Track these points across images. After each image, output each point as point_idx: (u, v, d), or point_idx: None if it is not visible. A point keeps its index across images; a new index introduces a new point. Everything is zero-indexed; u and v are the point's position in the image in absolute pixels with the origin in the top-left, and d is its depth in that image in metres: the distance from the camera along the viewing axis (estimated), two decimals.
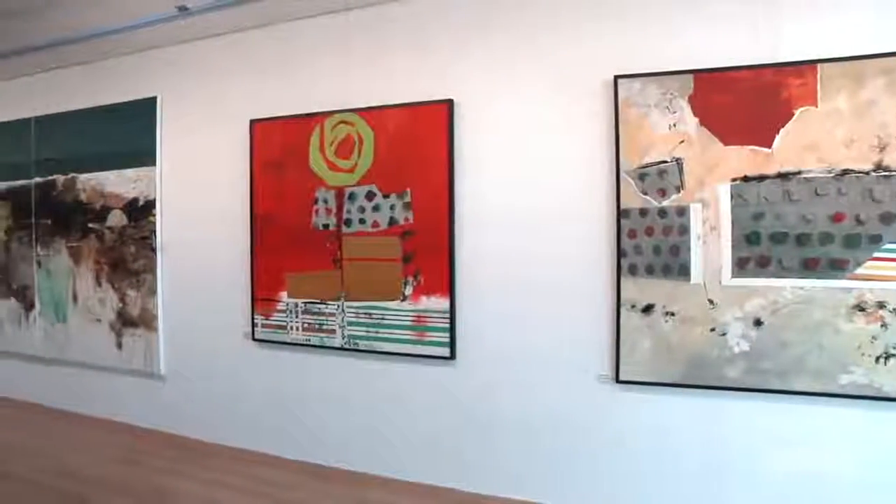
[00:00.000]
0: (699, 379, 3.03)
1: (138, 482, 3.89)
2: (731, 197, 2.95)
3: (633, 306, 3.13)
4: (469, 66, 3.60)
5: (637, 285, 3.12)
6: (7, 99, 5.68)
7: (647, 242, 3.10)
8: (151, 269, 4.74)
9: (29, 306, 5.55)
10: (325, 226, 3.93)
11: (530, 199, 3.42)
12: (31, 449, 4.57)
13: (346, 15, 3.95)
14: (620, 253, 3.15)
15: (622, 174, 3.14)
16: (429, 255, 3.63)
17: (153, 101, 4.73)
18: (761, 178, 2.89)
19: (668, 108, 3.06)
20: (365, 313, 3.84)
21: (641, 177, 3.10)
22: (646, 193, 3.09)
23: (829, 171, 2.78)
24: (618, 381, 3.19)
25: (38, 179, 5.44)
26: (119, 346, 4.96)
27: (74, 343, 5.24)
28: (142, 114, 4.77)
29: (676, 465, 3.14)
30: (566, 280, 3.33)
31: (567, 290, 3.34)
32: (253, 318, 4.25)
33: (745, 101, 2.93)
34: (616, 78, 3.16)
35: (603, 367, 3.26)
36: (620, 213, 3.15)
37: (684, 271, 3.03)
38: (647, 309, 3.10)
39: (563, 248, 3.34)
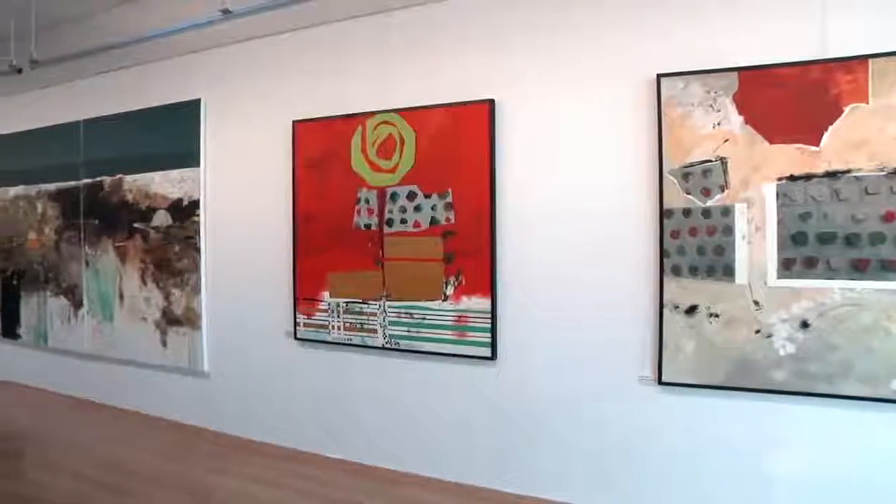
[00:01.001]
0: (744, 381, 3.05)
1: (182, 477, 4.07)
2: (777, 196, 2.96)
3: (676, 307, 3.17)
4: (511, 65, 3.67)
5: (680, 286, 3.15)
6: (57, 103, 5.96)
7: (690, 243, 3.13)
8: (195, 269, 4.91)
9: (77, 304, 5.80)
10: (367, 226, 4.04)
11: (572, 199, 3.48)
12: (79, 443, 4.81)
13: (386, 15, 4.06)
14: (663, 253, 3.19)
15: (665, 174, 3.18)
16: (470, 255, 3.71)
17: (197, 103, 4.91)
18: (808, 177, 2.89)
19: (711, 106, 3.08)
20: (406, 313, 3.94)
21: (685, 176, 3.13)
22: (689, 193, 3.12)
23: (881, 170, 2.77)
24: (660, 382, 3.23)
25: (86, 180, 5.68)
26: (164, 343, 5.15)
27: (121, 341, 5.47)
28: (186, 116, 4.96)
29: (720, 468, 3.16)
30: (608, 280, 3.38)
31: (609, 290, 3.39)
32: (295, 318, 4.38)
33: (791, 98, 2.93)
34: (659, 77, 3.20)
35: (645, 368, 3.30)
36: (663, 213, 3.18)
37: (729, 272, 3.05)
38: (691, 310, 3.13)
39: (604, 248, 3.39)
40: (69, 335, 5.91)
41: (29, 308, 6.28)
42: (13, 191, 6.36)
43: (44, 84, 5.88)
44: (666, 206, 3.17)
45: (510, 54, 3.67)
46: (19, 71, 4.75)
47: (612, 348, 3.39)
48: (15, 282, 6.41)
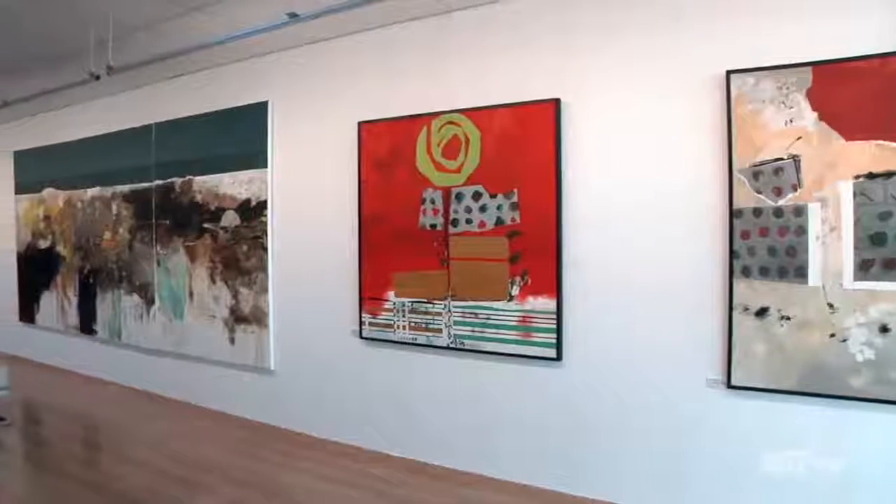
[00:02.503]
0: (818, 387, 3.05)
1: (251, 473, 4.31)
2: (854, 195, 2.96)
3: (745, 309, 3.20)
4: (576, 64, 3.76)
5: (750, 287, 3.19)
6: (131, 107, 6.35)
7: (761, 243, 3.16)
8: (263, 268, 5.16)
9: (149, 302, 6.15)
10: (433, 226, 4.19)
11: (639, 198, 3.55)
12: (151, 436, 5.14)
13: (450, 16, 4.19)
14: (733, 254, 3.23)
15: (735, 173, 3.22)
16: (536, 255, 3.81)
17: (264, 105, 5.17)
18: (889, 174, 2.89)
19: (783, 103, 3.10)
20: (471, 313, 4.07)
21: (755, 175, 3.16)
22: (760, 192, 3.15)
23: None
24: (729, 385, 3.27)
25: (158, 182, 6.02)
26: (232, 341, 5.42)
27: (191, 338, 5.79)
28: (254, 118, 5.22)
29: (792, 474, 3.16)
30: (676, 281, 3.44)
31: (677, 291, 3.44)
32: (360, 317, 4.58)
33: (870, 93, 2.93)
34: (728, 73, 3.23)
35: (714, 370, 3.34)
36: (733, 213, 3.22)
37: (801, 274, 3.07)
38: (761, 312, 3.16)
39: (672, 248, 3.45)
40: (142, 332, 6.28)
41: (104, 305, 6.69)
42: (90, 192, 6.79)
43: (119, 90, 6.28)
44: (735, 205, 3.21)
45: (576, 53, 3.76)
46: (97, 78, 5.09)
47: (679, 350, 3.44)
48: (91, 280, 6.83)
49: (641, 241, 3.53)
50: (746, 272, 3.20)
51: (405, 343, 4.38)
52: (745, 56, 3.21)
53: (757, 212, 3.16)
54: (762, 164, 3.14)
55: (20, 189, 7.90)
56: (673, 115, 3.45)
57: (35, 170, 7.66)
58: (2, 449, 4.98)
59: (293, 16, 4.18)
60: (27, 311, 7.87)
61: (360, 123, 4.53)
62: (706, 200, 3.33)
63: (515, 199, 3.88)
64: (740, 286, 3.21)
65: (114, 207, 6.54)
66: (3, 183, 8.19)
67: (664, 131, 3.47)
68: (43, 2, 4.42)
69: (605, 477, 3.69)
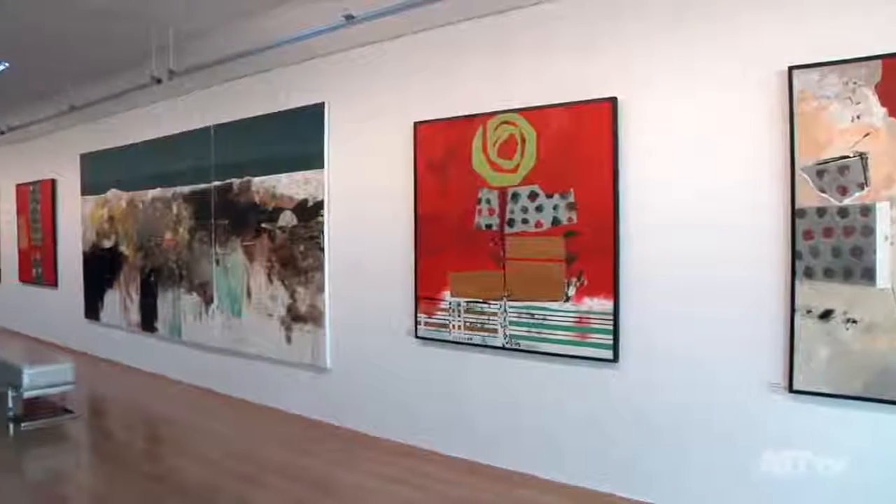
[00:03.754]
0: (886, 393, 3.00)
1: (306, 469, 4.46)
2: None
3: (808, 311, 3.17)
4: (633, 61, 3.78)
5: (814, 289, 3.16)
6: (191, 109, 6.60)
7: (825, 244, 3.13)
8: (319, 268, 5.30)
9: (208, 301, 6.37)
10: (488, 226, 4.25)
11: (698, 198, 3.55)
12: (210, 431, 5.38)
13: (506, 16, 4.26)
14: (795, 255, 3.20)
15: (797, 171, 3.19)
16: (592, 255, 3.85)
17: (321, 106, 5.32)
18: None
19: (850, 98, 3.07)
20: (527, 313, 4.12)
21: (819, 174, 3.13)
22: (824, 191, 3.12)
23: None
24: (791, 390, 3.24)
25: (216, 183, 6.23)
26: (289, 340, 5.59)
27: (248, 336, 5.98)
28: (310, 119, 5.38)
29: (857, 485, 3.11)
30: (735, 282, 3.43)
31: (736, 292, 3.43)
32: (416, 316, 4.67)
33: None
34: (791, 69, 3.21)
35: (775, 374, 3.31)
36: (795, 213, 3.20)
37: (868, 275, 3.03)
38: (825, 315, 3.13)
39: (732, 249, 3.44)
40: (201, 330, 6.51)
41: (165, 303, 6.96)
42: (151, 193, 7.08)
43: (179, 93, 6.52)
44: (798, 205, 3.19)
45: (632, 50, 3.78)
46: (159, 81, 5.31)
47: (739, 353, 3.43)
48: (152, 279, 7.10)
49: (700, 242, 3.53)
50: (809, 273, 3.17)
51: (460, 343, 4.46)
52: (808, 51, 3.17)
53: (821, 211, 3.13)
54: (826, 162, 3.11)
55: (86, 190, 8.27)
56: (732, 113, 3.44)
57: (100, 172, 8.03)
58: (69, 440, 5.25)
59: (350, 17, 4.28)
60: (92, 309, 8.24)
61: (415, 124, 4.63)
62: (767, 200, 3.31)
63: (572, 198, 3.92)
64: (803, 288, 3.18)
65: (174, 208, 6.79)
66: (71, 185, 8.57)
67: (723, 129, 3.47)
68: (108, 12, 4.64)
69: (662, 480, 3.69)
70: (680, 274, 3.60)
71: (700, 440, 3.56)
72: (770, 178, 3.30)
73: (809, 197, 3.15)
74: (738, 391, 3.43)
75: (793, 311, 3.21)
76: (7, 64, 5.98)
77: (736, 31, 3.43)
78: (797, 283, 3.19)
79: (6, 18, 4.87)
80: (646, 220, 3.72)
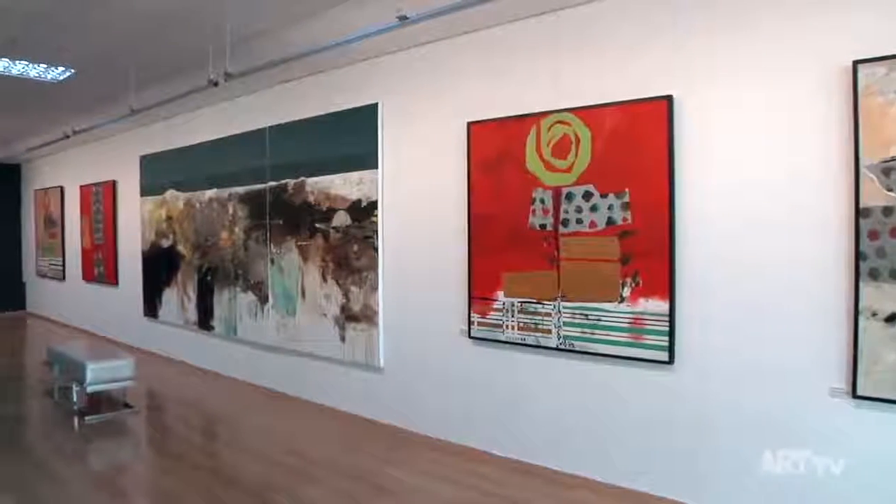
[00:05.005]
0: None
1: (359, 468, 4.55)
2: None
3: (874, 314, 3.11)
4: (689, 59, 3.76)
5: (880, 291, 3.10)
6: (246, 111, 6.77)
7: (892, 244, 3.06)
8: (373, 267, 5.38)
9: (264, 300, 6.51)
10: (542, 226, 4.27)
11: (757, 197, 3.51)
12: (264, 428, 5.52)
13: (559, 14, 4.27)
14: (859, 255, 3.14)
15: (862, 169, 3.13)
16: (648, 256, 3.84)
17: (374, 107, 5.40)
18: None
19: None
20: (581, 314, 4.13)
21: (885, 172, 3.07)
22: (891, 190, 3.06)
23: None
24: (854, 395, 3.18)
25: (271, 183, 6.38)
26: (342, 339, 5.69)
27: (302, 335, 6.11)
28: (364, 119, 5.47)
29: None
30: (796, 284, 3.38)
31: (797, 294, 3.38)
32: (469, 316, 4.71)
33: None
34: (855, 63, 3.15)
35: (837, 379, 3.25)
36: (860, 212, 3.14)
37: None
38: (892, 318, 3.07)
39: (792, 249, 3.39)
40: (256, 328, 6.67)
41: (221, 302, 7.15)
42: (208, 193, 7.28)
43: (235, 95, 6.70)
44: (862, 204, 3.13)
45: (689, 47, 3.76)
46: (215, 84, 5.46)
47: (799, 357, 3.38)
48: (209, 278, 7.30)
49: (758, 242, 3.49)
50: (875, 275, 3.10)
51: (514, 343, 4.49)
52: (874, 44, 3.10)
53: (887, 211, 3.06)
54: (893, 159, 3.04)
55: (145, 191, 8.56)
56: (792, 110, 3.39)
57: (158, 173, 8.30)
58: (129, 434, 5.45)
59: (403, 18, 4.34)
60: (151, 307, 8.51)
61: (469, 124, 4.67)
62: (829, 199, 3.26)
63: (627, 198, 3.91)
64: (868, 289, 3.12)
65: (230, 208, 6.97)
66: (131, 186, 8.87)
67: (784, 127, 3.42)
68: (167, 17, 4.81)
69: (717, 485, 3.66)
70: (738, 275, 3.56)
71: (757, 445, 3.51)
72: (833, 176, 3.25)
73: (875, 196, 3.09)
74: (799, 396, 3.38)
75: (857, 313, 3.15)
76: (73, 70, 6.23)
77: (797, 24, 3.37)
78: (861, 284, 3.13)
79: (73, 29, 5.08)
80: (703, 219, 3.69)
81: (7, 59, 5.86)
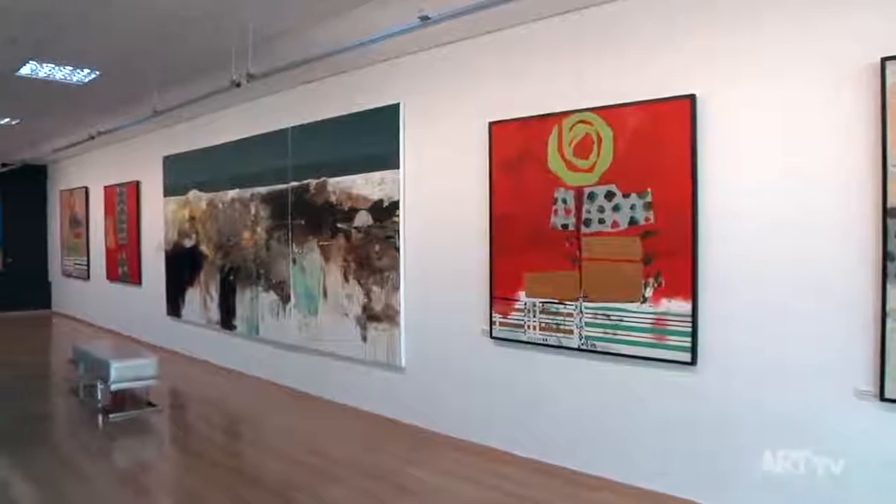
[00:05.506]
0: None
1: (380, 467, 4.59)
2: None
3: None
4: (713, 57, 3.73)
5: None
6: (268, 112, 6.83)
7: None
8: (395, 267, 5.41)
9: (285, 299, 6.57)
10: (564, 226, 4.27)
11: (781, 196, 3.48)
12: (286, 428, 5.58)
13: (580, 13, 4.26)
14: (887, 256, 3.11)
15: (890, 168, 3.10)
16: (670, 256, 3.83)
17: (396, 107, 5.43)
18: None
19: None
20: (603, 314, 4.13)
21: None
22: None
23: None
24: (882, 398, 3.14)
25: (293, 183, 6.43)
26: (364, 339, 5.73)
27: (324, 334, 6.16)
28: (386, 120, 5.50)
29: None
30: (821, 285, 3.35)
31: (822, 295, 3.35)
32: (491, 317, 4.72)
33: None
34: (883, 60, 3.11)
35: (864, 381, 3.22)
36: (887, 212, 3.11)
37: None
38: None
39: (817, 249, 3.35)
40: (278, 328, 6.73)
41: (243, 302, 7.22)
42: (230, 194, 7.36)
43: (257, 95, 6.76)
44: (890, 203, 3.09)
45: (712, 45, 3.73)
46: (238, 85, 5.50)
47: (825, 358, 3.34)
48: (231, 277, 7.37)
49: (781, 241, 3.46)
50: None
51: (535, 343, 4.49)
52: None
53: None
54: None
55: (168, 192, 8.67)
56: (818, 108, 3.35)
57: (181, 173, 8.40)
58: (152, 432, 5.53)
59: (425, 18, 4.35)
60: (174, 306, 8.62)
61: (490, 124, 4.68)
62: (855, 198, 3.23)
63: (649, 198, 3.90)
64: (895, 291, 3.09)
65: (252, 208, 7.04)
66: (154, 186, 8.99)
67: (807, 126, 3.39)
68: (190, 19, 4.86)
69: (737, 487, 3.63)
70: (762, 275, 3.54)
71: (781, 448, 3.47)
72: (859, 175, 3.22)
73: None
74: (824, 398, 3.35)
75: (884, 315, 3.12)
76: (98, 72, 6.32)
77: (822, 22, 3.34)
78: (889, 285, 3.10)
79: (98, 31, 5.16)
80: (726, 219, 3.67)
81: (35, 62, 5.96)
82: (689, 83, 3.78)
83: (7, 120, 8.72)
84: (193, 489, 4.26)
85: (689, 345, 3.78)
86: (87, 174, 11.41)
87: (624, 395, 4.11)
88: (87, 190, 11.40)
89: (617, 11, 4.11)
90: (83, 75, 6.43)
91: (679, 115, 3.78)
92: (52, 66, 6.11)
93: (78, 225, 11.80)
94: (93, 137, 8.35)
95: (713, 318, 3.73)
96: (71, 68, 6.21)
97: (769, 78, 3.52)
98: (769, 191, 3.51)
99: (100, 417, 5.64)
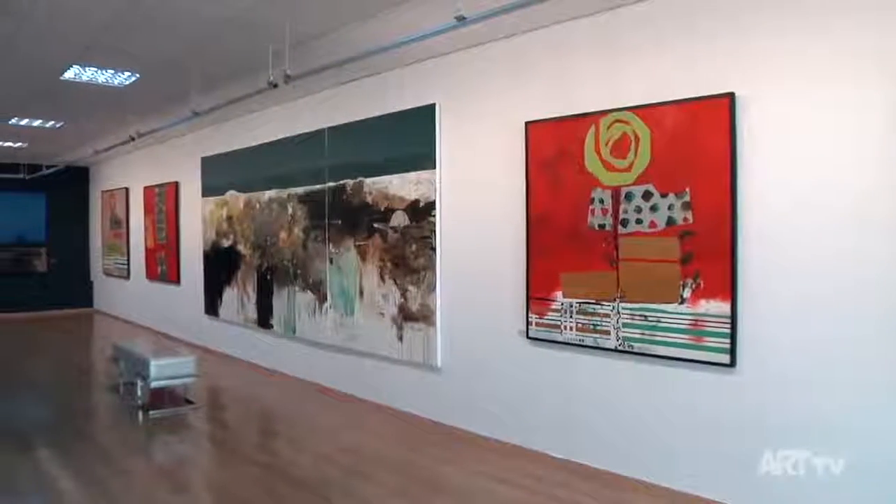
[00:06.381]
0: None
1: (415, 466, 4.66)
2: None
3: None
4: (751, 55, 3.70)
5: None
6: (305, 112, 6.93)
7: None
8: (431, 267, 5.45)
9: (322, 299, 6.66)
10: (601, 226, 4.28)
11: (823, 196, 3.43)
12: (321, 427, 5.68)
13: (617, 12, 4.26)
14: None
15: None
16: (709, 256, 3.81)
17: (432, 107, 5.48)
18: None
19: None
20: (640, 315, 4.13)
21: None
22: None
23: None
24: None
25: (330, 184, 6.51)
26: (400, 338, 5.78)
27: (360, 334, 6.23)
28: (422, 120, 5.55)
29: None
30: (867, 286, 3.30)
31: (867, 297, 3.30)
32: (527, 317, 4.74)
33: None
34: None
35: None
36: None
37: None
38: None
39: (862, 250, 3.30)
40: (314, 327, 6.83)
41: (280, 301, 7.33)
42: (268, 194, 7.47)
43: (295, 97, 6.86)
44: None
45: (750, 43, 3.70)
46: (275, 86, 5.58)
47: (869, 362, 3.29)
48: (268, 277, 7.49)
49: (826, 243, 3.42)
50: None
51: (572, 344, 4.50)
52: None
53: None
54: None
55: (206, 192, 8.83)
56: (860, 107, 3.30)
57: (219, 174, 8.55)
58: (190, 429, 5.65)
59: (461, 19, 4.37)
60: (212, 305, 8.77)
61: (527, 124, 4.70)
62: None
63: (687, 198, 3.89)
64: None
65: (289, 208, 7.14)
66: (193, 187, 9.16)
67: (852, 123, 3.33)
68: (229, 21, 4.95)
69: (776, 491, 3.59)
70: (804, 276, 3.50)
71: (822, 452, 3.42)
72: None
73: None
74: (870, 403, 3.28)
75: None
76: (138, 75, 6.46)
77: (865, 19, 3.28)
78: None
79: (139, 35, 5.28)
80: (767, 219, 3.64)
81: (78, 66, 6.11)
82: (727, 81, 3.75)
83: (52, 123, 8.95)
84: (229, 485, 4.37)
85: (728, 346, 3.76)
86: (127, 175, 11.68)
87: (661, 397, 4.10)
88: (127, 190, 11.66)
89: (653, 10, 4.10)
90: (124, 78, 6.57)
91: (717, 113, 3.76)
92: (95, 69, 6.26)
93: (118, 225, 12.07)
94: (133, 139, 8.54)
95: (753, 320, 3.69)
96: (112, 71, 6.36)
97: (813, 76, 3.46)
98: (813, 191, 3.46)
99: (139, 414, 5.78)
